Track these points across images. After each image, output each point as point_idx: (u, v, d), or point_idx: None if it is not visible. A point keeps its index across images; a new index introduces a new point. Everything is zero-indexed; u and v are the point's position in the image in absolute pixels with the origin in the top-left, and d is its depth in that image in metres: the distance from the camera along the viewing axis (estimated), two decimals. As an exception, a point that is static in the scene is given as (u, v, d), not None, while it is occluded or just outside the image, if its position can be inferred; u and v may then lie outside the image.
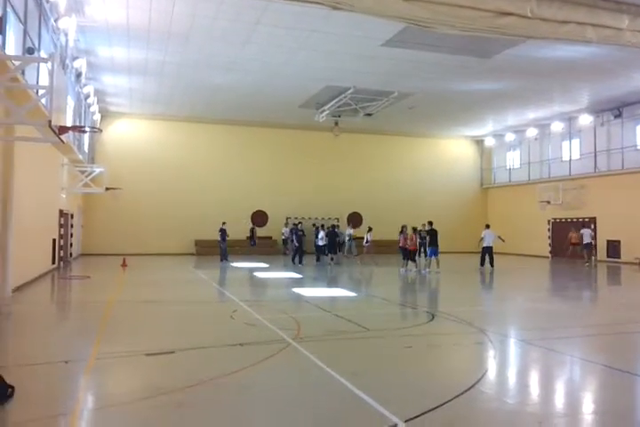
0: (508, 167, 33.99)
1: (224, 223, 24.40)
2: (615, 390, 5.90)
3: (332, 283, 17.20)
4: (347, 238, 27.10)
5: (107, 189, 23.08)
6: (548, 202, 28.91)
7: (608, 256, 25.89)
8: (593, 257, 23.32)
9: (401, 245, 20.23)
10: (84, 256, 26.43)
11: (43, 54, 13.00)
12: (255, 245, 28.61)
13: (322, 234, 23.17)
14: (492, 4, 10.54)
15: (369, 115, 25.95)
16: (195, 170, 29.44)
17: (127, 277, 17.75)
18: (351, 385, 5.66)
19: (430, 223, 20.56)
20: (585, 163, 27.93)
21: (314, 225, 26.89)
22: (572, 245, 25.40)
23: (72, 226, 23.30)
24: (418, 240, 20.75)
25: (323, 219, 29.49)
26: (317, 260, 23.70)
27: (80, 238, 26.59)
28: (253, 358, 6.73)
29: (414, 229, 20.46)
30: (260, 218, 30.01)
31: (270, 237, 30.29)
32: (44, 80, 12.79)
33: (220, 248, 24.38)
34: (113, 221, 27.60)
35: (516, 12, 10.73)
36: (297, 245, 23.01)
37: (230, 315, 10.17)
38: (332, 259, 22.99)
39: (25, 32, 11.37)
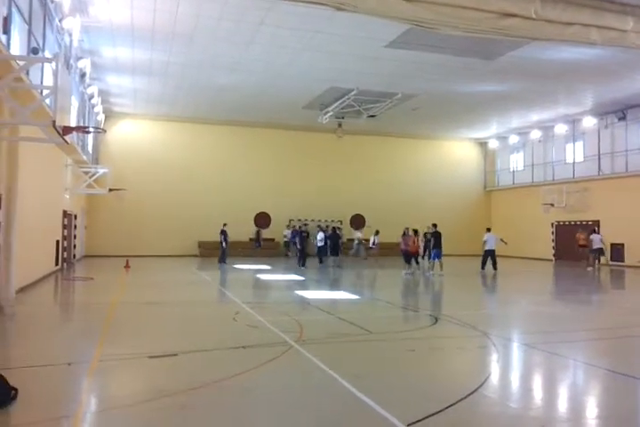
0: (511, 170, 33.91)
1: (225, 225, 24.37)
2: (618, 395, 5.86)
3: (334, 285, 17.18)
4: (356, 242, 27.21)
5: (110, 189, 23.08)
6: (552, 205, 28.84)
7: (612, 260, 25.77)
8: (597, 262, 23.21)
9: (402, 247, 20.22)
10: (88, 258, 26.44)
11: (47, 54, 13.02)
12: (260, 247, 28.69)
13: (320, 235, 23.18)
14: (495, 5, 10.52)
15: (372, 116, 25.91)
16: (198, 171, 29.47)
17: (130, 279, 17.76)
18: (354, 388, 5.64)
19: (434, 225, 20.53)
20: (589, 165, 27.84)
21: (319, 226, 26.87)
22: (580, 247, 25.35)
23: (75, 227, 23.31)
24: (420, 242, 20.73)
25: (326, 220, 29.53)
26: (320, 262, 23.70)
27: (83, 240, 26.60)
28: (256, 361, 6.71)
29: (415, 232, 20.45)
30: (262, 220, 30.00)
31: (273, 239, 30.29)
32: (48, 80, 12.81)
33: (221, 250, 24.34)
34: (116, 223, 27.62)
35: (520, 14, 10.70)
36: (299, 247, 23.01)
37: (233, 317, 10.16)
38: (334, 261, 22.98)
39: (29, 32, 11.39)
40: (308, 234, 24.22)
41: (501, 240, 21.48)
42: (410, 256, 19.98)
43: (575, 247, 25.75)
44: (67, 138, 10.34)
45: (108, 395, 5.74)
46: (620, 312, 12.03)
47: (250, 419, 4.92)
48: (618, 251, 25.70)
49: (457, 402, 5.28)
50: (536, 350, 7.78)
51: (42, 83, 12.86)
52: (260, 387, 5.83)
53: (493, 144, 34.40)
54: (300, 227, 24.82)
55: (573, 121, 28.26)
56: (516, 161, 33.72)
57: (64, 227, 20.21)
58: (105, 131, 23.37)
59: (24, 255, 12.59)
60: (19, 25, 11.15)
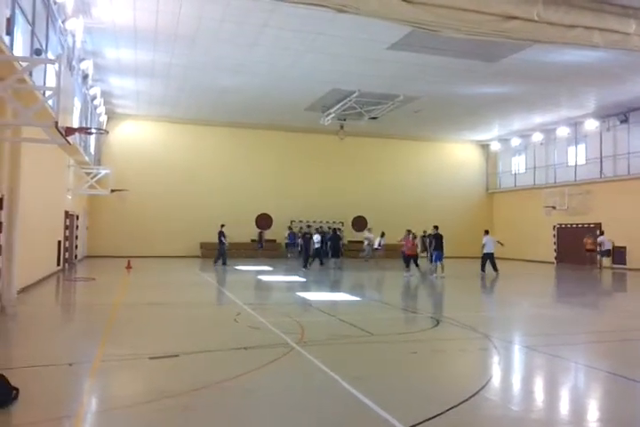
0: (513, 172, 33.90)
1: (223, 226, 24.27)
2: (620, 398, 5.85)
3: (335, 287, 17.18)
4: (366, 243, 27.32)
5: (112, 190, 23.07)
6: (554, 207, 28.81)
7: (614, 262, 25.75)
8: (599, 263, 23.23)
9: (402, 249, 20.28)
10: (89, 258, 26.47)
11: (50, 56, 13.03)
12: (262, 248, 28.72)
13: (317, 238, 23.21)
14: (497, 7, 10.49)
15: (374, 118, 25.91)
16: (201, 172, 29.50)
17: (132, 280, 17.77)
18: (355, 390, 5.64)
19: (436, 228, 20.51)
20: (591, 168, 27.82)
21: (316, 229, 26.85)
22: (587, 252, 25.31)
23: (77, 227, 23.34)
24: (417, 244, 20.83)
25: (327, 222, 29.50)
26: (321, 264, 23.67)
27: (85, 240, 26.64)
28: (258, 362, 6.71)
29: (409, 232, 20.56)
30: (264, 221, 30.00)
31: (274, 241, 30.29)
32: (51, 81, 12.82)
33: (218, 251, 24.24)
34: (118, 223, 27.65)
35: (522, 16, 10.68)
36: (300, 249, 23.04)
37: (234, 318, 10.16)
38: (335, 263, 22.98)
39: (32, 33, 11.42)
40: (310, 236, 24.24)
41: (498, 242, 21.48)
42: (409, 259, 19.99)
43: (582, 252, 25.72)
44: (69, 139, 10.35)
45: (109, 395, 5.75)
46: (621, 315, 12.01)
47: (251, 420, 4.92)
48: (620, 254, 25.65)
49: (458, 404, 5.27)
50: (537, 353, 7.77)
51: (45, 84, 12.89)
52: (262, 388, 5.83)
53: (495, 146, 34.40)
54: (304, 229, 24.88)
55: (575, 124, 28.25)
56: (518, 163, 33.71)
57: (66, 227, 20.24)
58: (107, 132, 23.38)
59: (26, 256, 12.61)
60: (22, 26, 11.18)
